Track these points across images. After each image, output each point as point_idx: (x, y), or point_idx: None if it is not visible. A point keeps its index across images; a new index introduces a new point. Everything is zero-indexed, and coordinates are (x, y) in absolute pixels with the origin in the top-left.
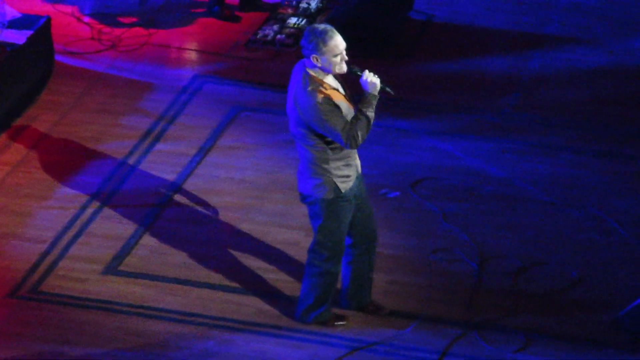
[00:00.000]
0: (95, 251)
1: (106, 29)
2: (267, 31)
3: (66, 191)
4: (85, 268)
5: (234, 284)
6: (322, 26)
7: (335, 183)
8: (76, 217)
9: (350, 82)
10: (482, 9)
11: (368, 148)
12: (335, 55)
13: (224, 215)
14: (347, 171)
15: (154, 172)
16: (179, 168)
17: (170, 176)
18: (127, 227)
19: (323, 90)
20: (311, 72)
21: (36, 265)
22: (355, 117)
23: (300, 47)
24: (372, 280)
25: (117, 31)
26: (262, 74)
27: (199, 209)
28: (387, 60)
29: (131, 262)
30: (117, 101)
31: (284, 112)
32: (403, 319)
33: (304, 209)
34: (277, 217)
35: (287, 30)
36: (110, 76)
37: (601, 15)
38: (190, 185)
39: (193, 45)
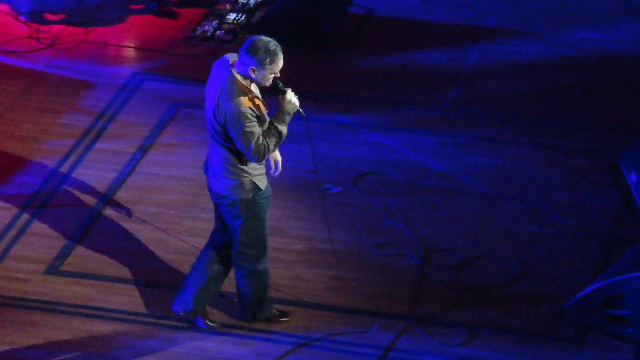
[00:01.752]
0: (36, 251)
1: (44, 28)
2: (206, 27)
3: (6, 191)
4: (27, 268)
5: (176, 283)
6: (272, 43)
7: (253, 182)
8: (16, 217)
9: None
10: (420, 2)
11: (308, 144)
12: (272, 74)
13: (165, 213)
14: (263, 168)
15: (94, 171)
16: (119, 166)
17: (111, 174)
18: (68, 227)
19: (248, 99)
20: (238, 77)
21: None
22: (267, 132)
23: (240, 53)
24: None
25: (55, 29)
26: (201, 71)
27: (140, 207)
28: (327, 55)
29: (73, 262)
30: (56, 100)
31: None
32: (346, 314)
33: None
34: None
35: (226, 26)
36: (49, 75)
37: (540, 8)
38: (130, 183)
39: (132, 42)
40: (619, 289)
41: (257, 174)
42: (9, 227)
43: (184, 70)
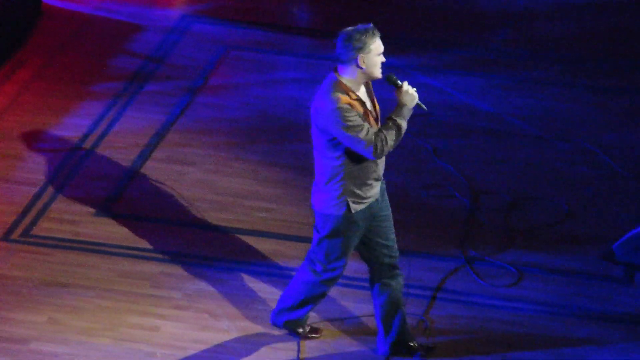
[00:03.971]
0: (87, 193)
1: None
2: None
3: (57, 134)
4: (77, 210)
5: (225, 224)
6: (360, 26)
7: (347, 201)
8: (67, 160)
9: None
10: None
11: None
12: (379, 54)
13: (215, 155)
14: (362, 191)
15: (143, 113)
16: (168, 109)
17: (160, 117)
18: (118, 169)
19: (347, 97)
20: (342, 79)
21: (28, 209)
22: (384, 125)
23: (338, 53)
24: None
25: None
26: (250, 13)
27: (190, 149)
28: None
29: (123, 204)
30: (105, 43)
31: (274, 50)
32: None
33: (294, 147)
34: (268, 156)
35: None
36: (98, 18)
37: None
38: (179, 125)
39: None
40: None
41: (354, 192)
42: (59, 169)
43: (233, 12)
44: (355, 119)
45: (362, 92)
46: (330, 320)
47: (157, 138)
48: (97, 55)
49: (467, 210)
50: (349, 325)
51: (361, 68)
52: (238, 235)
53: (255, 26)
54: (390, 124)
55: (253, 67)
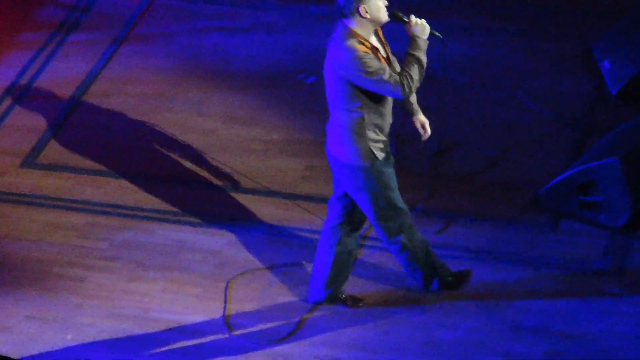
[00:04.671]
0: (12, 144)
1: None
2: None
3: None
4: (3, 161)
5: (152, 173)
6: None
7: (371, 150)
8: None
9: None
10: None
11: (284, 32)
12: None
13: (142, 105)
14: (382, 136)
15: (69, 63)
16: (94, 58)
17: (86, 67)
18: (44, 120)
19: (365, 46)
20: (353, 29)
21: None
22: (405, 62)
23: (340, 6)
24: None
25: None
26: None
27: (116, 99)
28: None
29: (49, 155)
30: None
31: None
32: (321, 203)
33: (222, 96)
34: (195, 105)
35: None
36: None
37: None
38: (106, 75)
39: None
40: (592, 175)
41: (375, 139)
42: None
43: None
44: (375, 63)
45: (374, 40)
46: (260, 270)
47: (83, 88)
48: (21, 4)
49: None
50: (277, 274)
51: (365, 17)
52: (164, 184)
53: None
54: (410, 59)
55: (179, 15)
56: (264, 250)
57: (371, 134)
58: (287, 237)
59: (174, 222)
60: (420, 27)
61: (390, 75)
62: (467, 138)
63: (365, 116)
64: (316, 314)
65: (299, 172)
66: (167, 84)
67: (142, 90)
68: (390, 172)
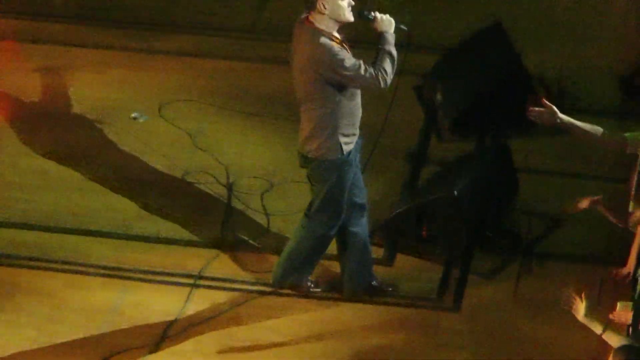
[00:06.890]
0: None
1: None
2: None
3: None
4: None
5: None
6: None
7: (339, 143)
8: None
9: None
10: None
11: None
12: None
13: None
14: (351, 130)
15: None
16: None
17: None
18: None
19: (334, 41)
20: (319, 27)
21: None
22: (375, 57)
23: (305, 2)
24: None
25: None
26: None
27: None
28: None
29: None
30: None
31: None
32: (158, 244)
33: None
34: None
35: None
36: None
37: None
38: None
39: None
40: (429, 208)
41: (345, 133)
42: None
43: None
44: (350, 57)
45: (337, 35)
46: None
47: None
48: None
49: (227, 195)
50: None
51: (323, 13)
52: None
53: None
54: (381, 54)
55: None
56: None
57: (342, 129)
58: (125, 279)
59: None
60: (387, 22)
61: (366, 69)
62: (298, 173)
63: (338, 111)
64: None
65: (135, 211)
66: None
67: None
68: (348, 169)
